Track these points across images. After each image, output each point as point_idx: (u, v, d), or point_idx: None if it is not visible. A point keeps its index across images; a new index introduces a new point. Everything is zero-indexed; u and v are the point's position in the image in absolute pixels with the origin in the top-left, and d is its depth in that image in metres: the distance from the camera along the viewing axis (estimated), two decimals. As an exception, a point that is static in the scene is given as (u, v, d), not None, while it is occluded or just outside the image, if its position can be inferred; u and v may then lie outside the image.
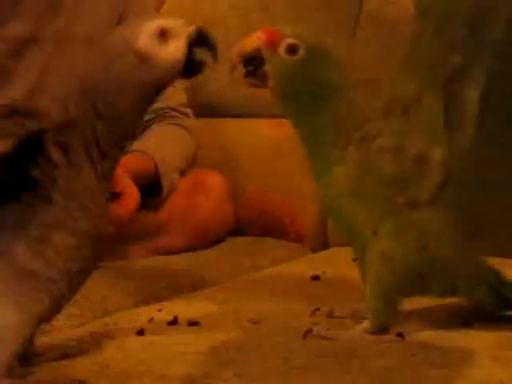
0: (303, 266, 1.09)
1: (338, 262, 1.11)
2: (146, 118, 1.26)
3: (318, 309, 0.77)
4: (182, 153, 1.26)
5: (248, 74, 0.65)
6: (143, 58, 0.62)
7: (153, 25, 0.62)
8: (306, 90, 0.66)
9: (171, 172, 1.20)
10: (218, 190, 1.24)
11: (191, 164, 1.28)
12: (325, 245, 1.32)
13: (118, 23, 1.25)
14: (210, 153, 1.40)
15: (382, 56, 1.36)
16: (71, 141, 0.61)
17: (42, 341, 0.78)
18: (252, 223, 1.38)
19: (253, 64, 0.63)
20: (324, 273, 0.99)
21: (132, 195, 1.08)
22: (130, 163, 1.13)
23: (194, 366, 0.65)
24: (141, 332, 0.76)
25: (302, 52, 0.64)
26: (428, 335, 0.71)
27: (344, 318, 0.76)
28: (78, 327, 0.85)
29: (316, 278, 0.96)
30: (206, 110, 1.45)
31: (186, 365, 0.66)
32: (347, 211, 0.70)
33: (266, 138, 1.42)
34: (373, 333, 0.68)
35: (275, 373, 0.64)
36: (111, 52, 0.62)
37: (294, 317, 0.79)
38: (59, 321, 0.87)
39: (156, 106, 1.27)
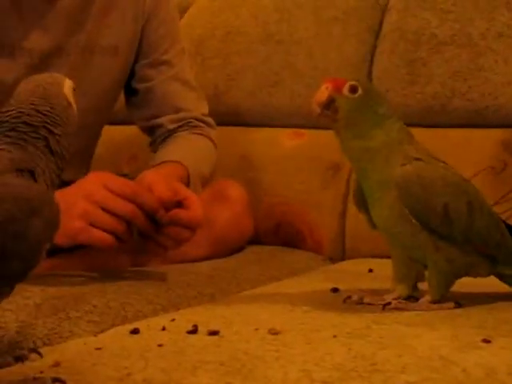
0: (322, 277, 1.09)
1: (356, 274, 1.11)
2: (171, 127, 1.27)
3: (350, 297, 0.91)
4: (208, 164, 1.27)
5: (325, 113, 0.86)
6: (69, 103, 0.71)
7: (69, 82, 0.72)
8: (364, 120, 0.85)
9: (198, 183, 1.20)
10: (237, 202, 1.24)
11: (212, 175, 1.28)
12: (343, 255, 1.32)
13: (143, 32, 1.26)
14: (228, 161, 1.41)
15: (402, 68, 1.36)
16: (37, 170, 0.68)
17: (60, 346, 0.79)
18: (270, 233, 1.38)
19: (328, 106, 0.85)
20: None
21: (196, 200, 1.07)
22: (173, 172, 1.13)
23: (216, 375, 0.65)
24: (160, 340, 0.76)
25: (360, 91, 0.85)
26: (447, 351, 0.71)
27: (373, 304, 0.89)
28: (98, 333, 0.85)
29: (335, 290, 0.96)
30: (225, 118, 1.45)
31: (207, 374, 0.66)
32: (403, 233, 0.87)
33: (285, 148, 1.42)
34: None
35: (297, 385, 0.64)
36: (48, 92, 0.70)
37: (315, 329, 0.79)
38: (79, 327, 0.87)
39: (180, 115, 1.28)
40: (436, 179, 0.86)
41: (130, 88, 1.30)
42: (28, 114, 0.69)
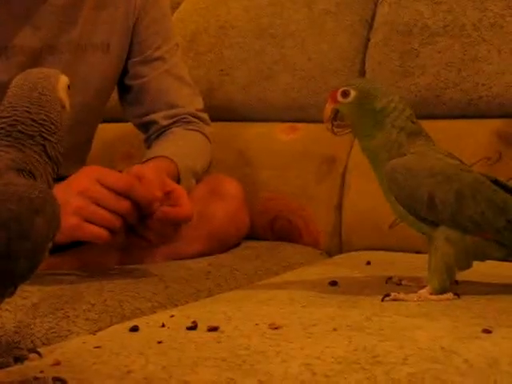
0: (319, 270, 1.09)
1: (353, 267, 1.11)
2: (165, 123, 1.27)
3: (390, 277, 0.97)
4: (201, 159, 1.26)
5: (335, 124, 0.92)
6: (62, 105, 0.72)
7: (65, 79, 0.73)
8: (365, 118, 0.89)
9: (190, 178, 1.20)
10: (234, 197, 1.24)
11: (207, 170, 1.28)
12: (340, 248, 1.32)
13: (134, 29, 1.25)
14: (223, 157, 1.40)
15: (395, 60, 1.36)
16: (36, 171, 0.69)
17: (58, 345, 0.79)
18: (266, 228, 1.38)
19: (335, 118, 0.91)
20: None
21: (184, 194, 1.07)
22: (159, 167, 1.13)
23: (217, 372, 0.65)
24: (160, 337, 0.76)
25: (353, 93, 0.89)
26: (448, 342, 0.71)
27: (410, 285, 0.94)
28: (97, 332, 0.85)
29: (334, 283, 0.96)
30: (219, 113, 1.44)
31: (208, 370, 0.65)
32: (410, 219, 0.90)
33: (280, 143, 1.42)
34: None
35: (298, 380, 0.63)
36: (44, 98, 0.71)
37: (315, 322, 0.78)
38: (77, 326, 0.87)
39: (174, 111, 1.27)
40: (421, 169, 0.88)
41: (123, 85, 1.29)
42: (23, 123, 0.69)
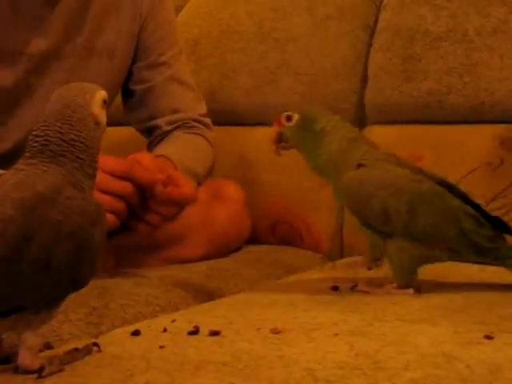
0: (321, 275, 1.09)
1: (355, 271, 1.11)
2: (167, 128, 1.27)
3: (356, 285, 0.97)
4: (202, 161, 1.26)
5: (280, 146, 0.98)
6: (96, 122, 0.73)
7: (101, 94, 0.74)
8: (307, 140, 0.95)
9: (191, 180, 1.20)
10: (235, 201, 1.24)
11: (208, 174, 1.28)
12: (341, 253, 1.32)
13: (140, 34, 1.25)
14: (225, 161, 1.40)
15: (397, 65, 1.36)
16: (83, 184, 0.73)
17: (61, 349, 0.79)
18: (268, 232, 1.38)
19: (280, 140, 0.97)
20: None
21: (182, 178, 1.10)
22: (156, 164, 1.13)
23: (219, 376, 0.65)
24: (162, 341, 0.76)
25: (296, 117, 0.95)
26: (450, 347, 0.71)
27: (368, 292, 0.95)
28: (98, 335, 0.85)
29: (335, 288, 0.96)
30: (221, 117, 1.45)
31: (210, 375, 0.65)
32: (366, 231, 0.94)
33: (282, 147, 1.42)
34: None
35: (300, 384, 0.63)
36: (76, 116, 0.72)
37: (317, 327, 0.78)
38: (78, 330, 0.87)
39: (177, 116, 1.27)
40: (372, 182, 0.91)
41: (127, 90, 1.29)
42: (54, 143, 0.71)
